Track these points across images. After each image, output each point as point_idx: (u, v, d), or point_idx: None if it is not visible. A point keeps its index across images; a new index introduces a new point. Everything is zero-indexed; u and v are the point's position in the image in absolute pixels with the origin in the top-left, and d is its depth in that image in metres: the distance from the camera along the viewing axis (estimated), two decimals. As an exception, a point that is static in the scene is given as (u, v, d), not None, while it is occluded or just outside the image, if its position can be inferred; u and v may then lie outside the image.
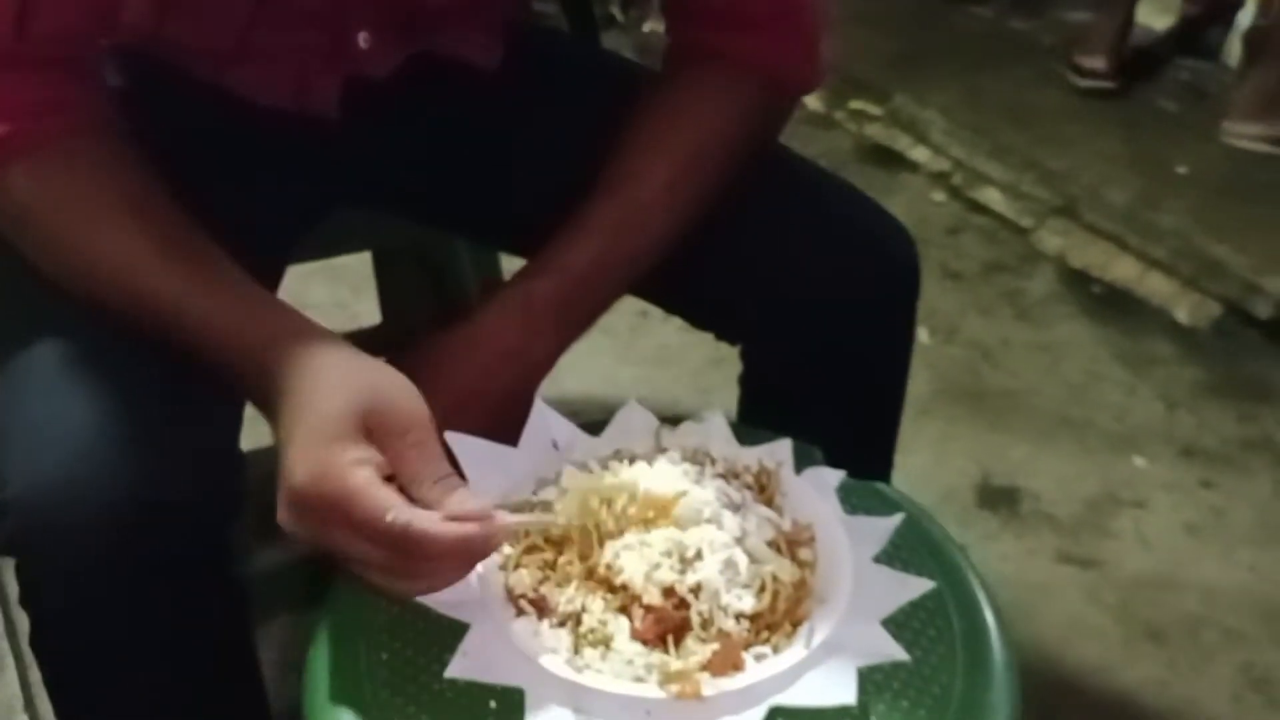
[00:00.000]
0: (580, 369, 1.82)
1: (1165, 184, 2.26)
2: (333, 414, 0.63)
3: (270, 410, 0.67)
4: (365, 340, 0.73)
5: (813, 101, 2.58)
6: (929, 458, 1.70)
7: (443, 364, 0.79)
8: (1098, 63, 2.51)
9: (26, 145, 0.72)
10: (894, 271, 0.91)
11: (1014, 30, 2.84)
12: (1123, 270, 2.13)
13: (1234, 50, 2.58)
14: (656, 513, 0.67)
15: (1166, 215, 2.16)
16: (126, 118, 0.79)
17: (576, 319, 0.83)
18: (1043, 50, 2.72)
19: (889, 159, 2.51)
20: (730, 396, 1.00)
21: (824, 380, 0.91)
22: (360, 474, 0.61)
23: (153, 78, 0.89)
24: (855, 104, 2.64)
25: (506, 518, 0.64)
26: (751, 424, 0.95)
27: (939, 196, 2.39)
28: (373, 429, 0.63)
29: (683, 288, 0.92)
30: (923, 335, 1.95)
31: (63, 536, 0.66)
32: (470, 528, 0.61)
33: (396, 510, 0.60)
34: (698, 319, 0.97)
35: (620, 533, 0.66)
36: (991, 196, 2.34)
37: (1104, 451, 1.75)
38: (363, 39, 0.89)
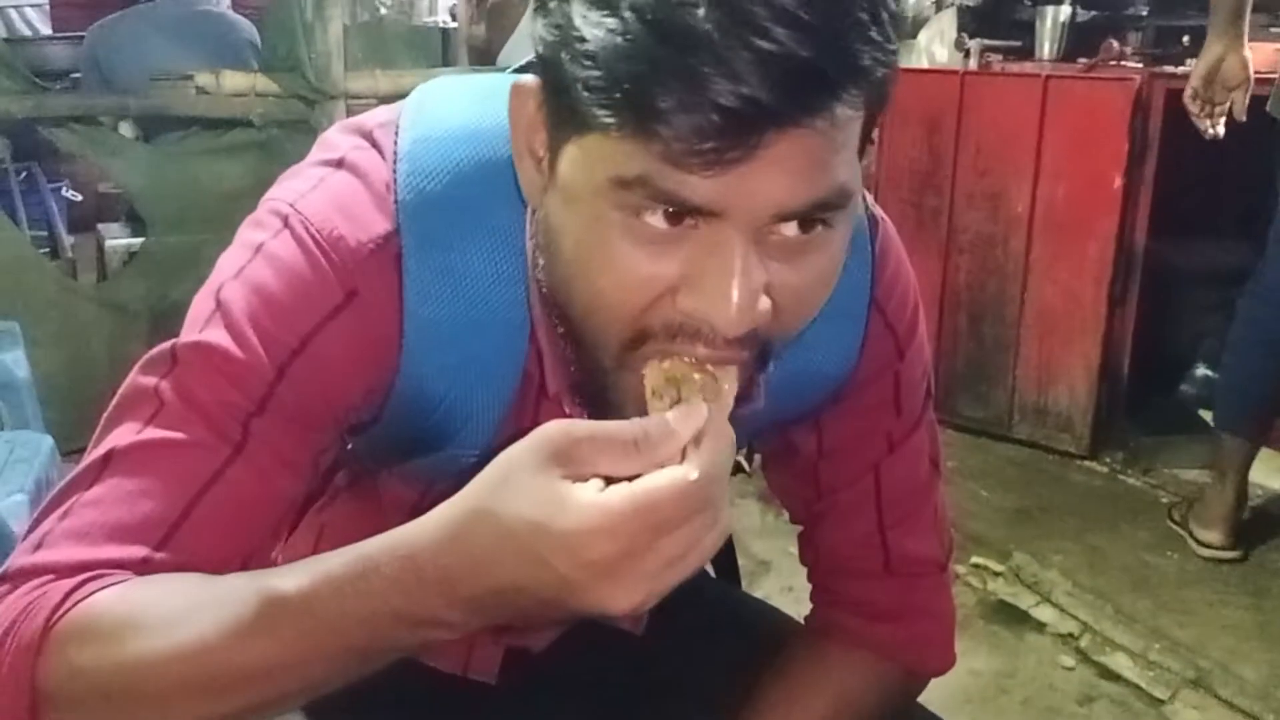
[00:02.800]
0: None
1: (1299, 659, 2.23)
2: (511, 488, 0.58)
3: (453, 585, 0.59)
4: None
5: (935, 559, 2.63)
6: None
7: None
8: (1215, 535, 2.55)
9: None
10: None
11: (1130, 488, 2.91)
12: (1265, 752, 2.07)
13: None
14: None
15: (1303, 694, 2.12)
16: None
17: None
18: (1160, 509, 2.77)
19: (1014, 617, 2.52)
20: None
21: None
22: (583, 492, 0.58)
23: None
24: (977, 559, 2.70)
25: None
26: None
27: (1068, 660, 2.38)
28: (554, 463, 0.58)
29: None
30: (1061, 822, 1.90)
31: None
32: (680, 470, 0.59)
33: (621, 497, 0.57)
34: None
35: None
36: (1122, 663, 2.32)
37: None
38: (525, 617, 1.00)
